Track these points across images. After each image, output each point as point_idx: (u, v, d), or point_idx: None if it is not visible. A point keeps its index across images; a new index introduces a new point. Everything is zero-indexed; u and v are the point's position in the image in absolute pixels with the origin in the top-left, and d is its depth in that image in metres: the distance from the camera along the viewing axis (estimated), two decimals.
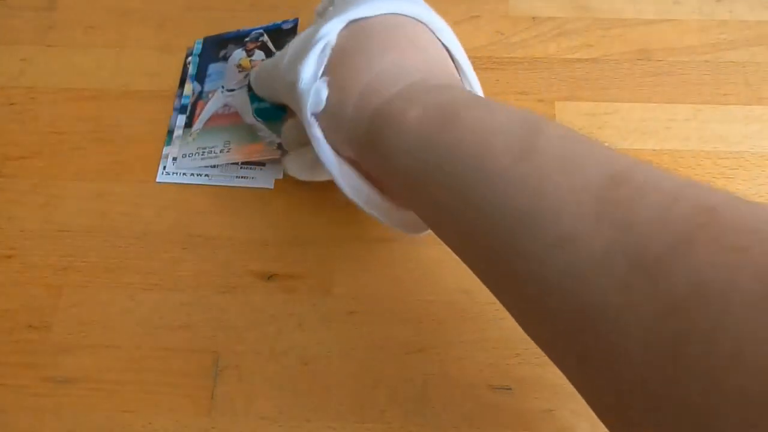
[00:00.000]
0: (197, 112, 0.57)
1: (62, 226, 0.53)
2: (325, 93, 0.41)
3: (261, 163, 0.55)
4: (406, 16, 0.45)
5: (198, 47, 0.61)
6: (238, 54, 0.59)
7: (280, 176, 0.54)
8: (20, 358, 0.48)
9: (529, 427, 0.45)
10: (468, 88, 0.47)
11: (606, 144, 0.34)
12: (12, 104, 0.59)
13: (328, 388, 0.47)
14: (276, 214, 0.53)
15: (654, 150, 0.55)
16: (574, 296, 0.30)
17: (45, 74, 0.60)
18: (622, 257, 0.28)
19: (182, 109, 0.58)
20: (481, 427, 0.45)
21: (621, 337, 0.28)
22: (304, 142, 0.46)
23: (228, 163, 0.54)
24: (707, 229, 0.27)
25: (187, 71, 0.60)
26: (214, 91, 0.58)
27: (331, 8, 0.48)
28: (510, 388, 0.46)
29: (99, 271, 0.51)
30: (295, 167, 0.52)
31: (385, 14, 0.44)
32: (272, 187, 0.54)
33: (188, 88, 0.59)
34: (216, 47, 0.60)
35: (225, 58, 0.59)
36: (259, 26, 0.61)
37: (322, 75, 0.42)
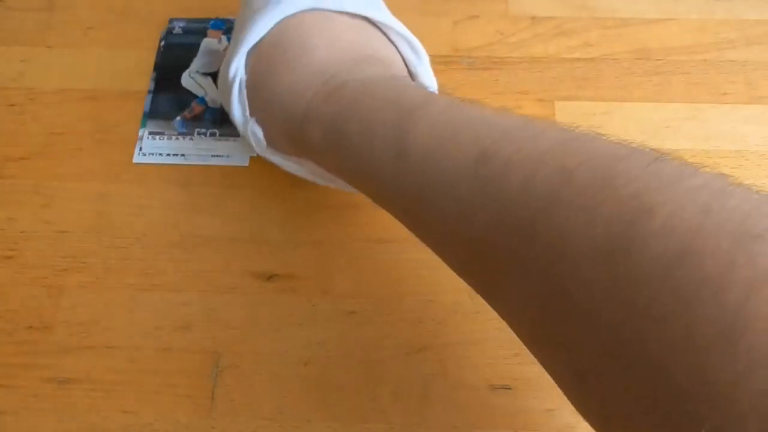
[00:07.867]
0: None
1: (62, 226, 0.53)
2: (259, 132, 0.47)
3: (235, 141, 0.57)
4: (302, 12, 0.46)
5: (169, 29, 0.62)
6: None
7: (255, 154, 0.55)
8: (21, 359, 0.48)
9: (529, 427, 0.45)
10: (409, 64, 0.48)
11: (486, 110, 0.35)
12: (12, 105, 0.59)
13: (328, 388, 0.47)
14: (276, 214, 0.53)
15: (654, 150, 0.55)
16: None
17: (45, 75, 0.60)
18: (498, 227, 0.30)
19: None
20: (482, 426, 0.45)
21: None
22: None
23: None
24: (565, 191, 0.29)
25: (161, 54, 0.61)
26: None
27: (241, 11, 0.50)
28: (510, 388, 0.46)
29: (99, 271, 0.51)
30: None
31: (279, 23, 0.46)
32: (247, 164, 0.55)
33: None
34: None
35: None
36: (233, 17, 0.62)
37: (250, 113, 0.47)
